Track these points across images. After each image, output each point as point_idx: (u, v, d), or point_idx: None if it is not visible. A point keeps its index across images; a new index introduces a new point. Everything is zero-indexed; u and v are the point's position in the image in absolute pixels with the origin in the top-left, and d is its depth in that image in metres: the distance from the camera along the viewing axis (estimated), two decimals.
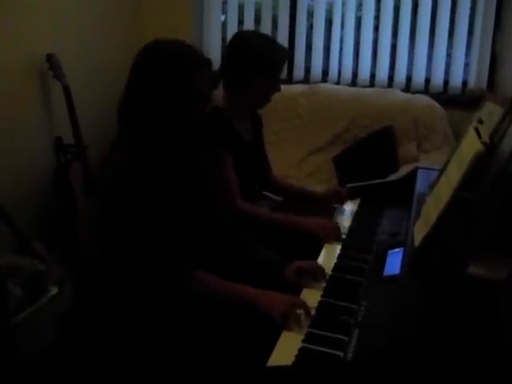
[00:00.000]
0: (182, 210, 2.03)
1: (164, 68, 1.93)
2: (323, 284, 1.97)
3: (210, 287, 1.92)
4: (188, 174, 2.12)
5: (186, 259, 1.94)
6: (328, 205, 2.86)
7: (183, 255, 1.94)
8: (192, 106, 1.97)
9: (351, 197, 2.76)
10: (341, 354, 1.55)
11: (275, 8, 4.42)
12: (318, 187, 3.63)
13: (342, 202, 2.76)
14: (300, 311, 1.76)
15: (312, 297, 1.88)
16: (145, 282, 1.93)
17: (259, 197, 2.92)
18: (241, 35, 2.73)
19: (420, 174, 2.49)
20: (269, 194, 3.04)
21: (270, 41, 2.67)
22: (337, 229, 2.40)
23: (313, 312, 1.77)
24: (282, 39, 4.34)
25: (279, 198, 3.07)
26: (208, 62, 2.02)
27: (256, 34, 2.76)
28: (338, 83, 4.35)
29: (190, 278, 1.91)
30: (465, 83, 4.15)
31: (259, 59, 2.56)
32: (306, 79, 4.41)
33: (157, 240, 1.90)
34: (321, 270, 2.04)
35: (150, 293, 1.94)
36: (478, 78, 4.08)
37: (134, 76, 1.99)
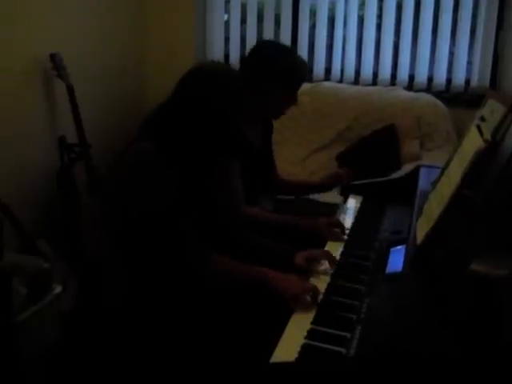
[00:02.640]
0: (196, 204, 2.05)
1: (205, 93, 1.98)
2: (331, 271, 2.04)
3: (227, 268, 1.97)
4: (203, 173, 2.14)
5: (205, 242, 1.98)
6: (331, 188, 2.89)
7: (201, 240, 1.98)
8: (225, 130, 2.03)
9: (352, 178, 2.78)
10: (343, 350, 1.55)
11: (278, 7, 4.42)
12: None
13: (345, 183, 2.78)
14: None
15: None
16: (158, 272, 1.95)
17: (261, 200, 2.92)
18: (263, 45, 2.70)
19: (422, 172, 2.49)
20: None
21: (293, 55, 2.64)
22: (341, 226, 2.41)
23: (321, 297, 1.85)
24: (285, 38, 4.35)
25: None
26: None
27: (279, 47, 2.73)
28: (340, 81, 4.35)
29: (210, 258, 1.95)
30: (467, 81, 4.15)
31: (280, 73, 2.53)
32: (309, 78, 4.39)
33: (177, 222, 1.93)
34: (330, 255, 2.11)
35: (160, 285, 1.96)
36: (480, 77, 4.08)
37: (179, 90, 2.04)
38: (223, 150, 2.12)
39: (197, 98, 1.98)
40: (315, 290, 1.85)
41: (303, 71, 2.64)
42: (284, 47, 2.72)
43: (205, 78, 2.01)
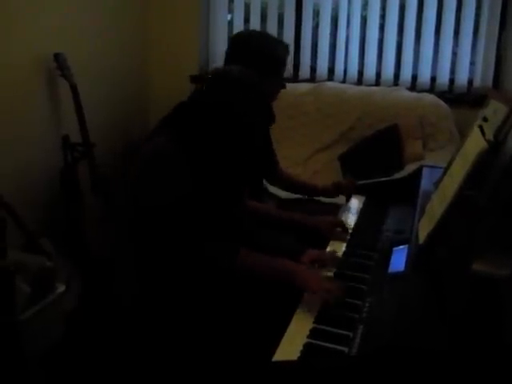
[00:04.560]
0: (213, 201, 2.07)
1: (225, 98, 1.99)
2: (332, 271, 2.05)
3: (252, 260, 1.97)
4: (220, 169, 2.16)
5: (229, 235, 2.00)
6: (331, 197, 2.87)
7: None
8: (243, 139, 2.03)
9: (354, 190, 2.77)
10: (345, 349, 1.56)
11: (281, 7, 4.42)
12: None
13: (347, 195, 2.77)
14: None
15: None
16: (174, 268, 1.96)
17: (265, 195, 2.92)
18: (238, 35, 2.71)
19: (425, 172, 2.49)
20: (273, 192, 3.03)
21: (269, 38, 2.62)
22: (344, 226, 2.41)
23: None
24: (288, 38, 4.35)
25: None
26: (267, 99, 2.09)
27: (254, 33, 2.73)
28: (343, 82, 4.35)
29: (237, 251, 1.96)
30: (470, 82, 4.15)
31: (258, 57, 2.52)
32: (312, 78, 4.42)
33: (200, 218, 1.94)
34: (334, 257, 2.12)
35: (174, 283, 1.97)
36: (483, 77, 4.08)
37: (202, 90, 2.05)
38: (239, 154, 2.12)
39: (220, 105, 1.98)
40: (341, 290, 1.86)
41: (283, 54, 2.61)
42: (260, 32, 2.71)
43: (229, 85, 2.01)
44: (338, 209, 2.77)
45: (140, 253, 2.05)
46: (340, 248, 2.25)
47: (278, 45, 2.58)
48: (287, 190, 3.07)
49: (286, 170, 3.05)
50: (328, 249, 2.27)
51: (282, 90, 2.65)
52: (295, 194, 3.09)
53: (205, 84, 2.07)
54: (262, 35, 2.70)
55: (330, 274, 2.03)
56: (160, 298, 2.00)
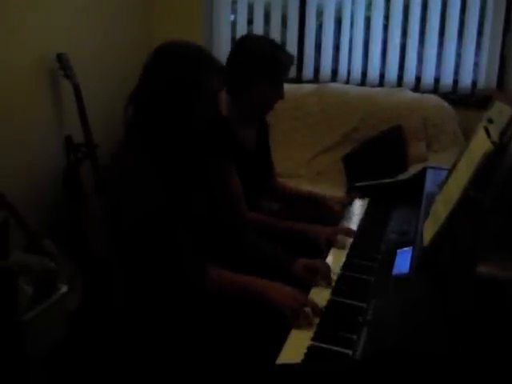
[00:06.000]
0: (189, 210, 2.04)
1: (173, 69, 1.95)
2: (331, 282, 1.98)
3: (223, 282, 1.94)
4: (195, 176, 2.13)
5: (199, 256, 1.96)
6: (327, 209, 2.83)
7: (196, 252, 1.95)
8: (202, 108, 1.98)
9: (351, 202, 2.74)
10: (349, 352, 1.55)
11: (285, 7, 4.42)
12: (327, 186, 3.63)
13: (345, 206, 2.74)
14: (308, 309, 1.77)
15: (321, 295, 1.89)
16: (155, 280, 1.94)
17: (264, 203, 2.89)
18: (243, 39, 2.69)
19: (429, 174, 2.49)
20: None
21: (273, 45, 2.58)
22: (350, 233, 2.38)
23: (322, 310, 1.78)
24: (292, 39, 4.36)
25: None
26: (218, 64, 2.03)
27: (259, 38, 2.71)
28: (347, 83, 4.35)
29: (204, 274, 1.93)
30: (474, 83, 4.14)
31: (259, 63, 2.49)
32: (316, 79, 4.41)
33: (170, 236, 1.91)
34: (327, 270, 2.04)
35: (159, 290, 1.95)
36: (487, 78, 4.07)
37: (144, 77, 2.02)
38: (205, 146, 2.09)
39: (163, 82, 1.96)
40: (313, 305, 1.80)
41: (286, 62, 2.57)
42: (266, 38, 2.70)
43: (169, 58, 2.00)
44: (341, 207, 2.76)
45: (123, 259, 2.04)
46: (343, 251, 2.24)
47: (278, 50, 2.55)
48: (281, 202, 2.99)
49: (283, 183, 3.01)
50: (331, 251, 2.25)
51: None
52: (290, 206, 3.00)
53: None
54: (263, 39, 2.68)
55: (334, 276, 2.02)
56: (149, 302, 1.98)
